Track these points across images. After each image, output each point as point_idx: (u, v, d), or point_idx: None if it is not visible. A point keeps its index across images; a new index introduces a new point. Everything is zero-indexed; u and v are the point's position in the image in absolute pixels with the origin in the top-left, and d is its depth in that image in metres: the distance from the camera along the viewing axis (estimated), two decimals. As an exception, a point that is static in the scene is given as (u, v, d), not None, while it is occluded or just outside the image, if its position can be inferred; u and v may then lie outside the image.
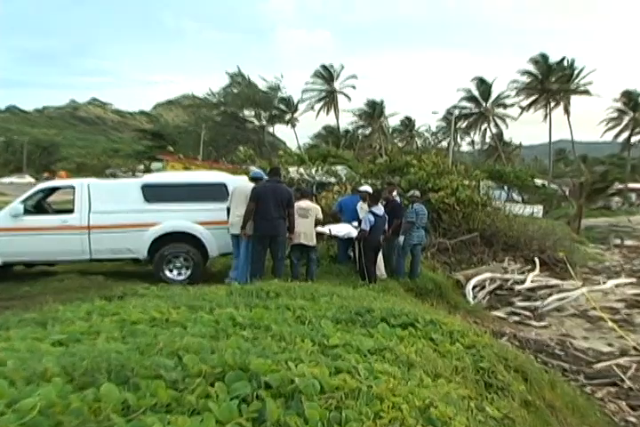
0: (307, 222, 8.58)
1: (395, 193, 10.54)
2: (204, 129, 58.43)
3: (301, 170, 15.12)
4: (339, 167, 18.12)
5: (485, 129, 66.43)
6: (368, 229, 8.57)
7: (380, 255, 9.26)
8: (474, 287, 11.35)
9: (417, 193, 10.29)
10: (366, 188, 9.67)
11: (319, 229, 9.03)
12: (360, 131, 72.03)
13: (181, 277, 8.74)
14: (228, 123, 65.42)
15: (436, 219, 13.39)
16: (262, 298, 5.14)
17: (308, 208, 8.64)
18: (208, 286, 6.52)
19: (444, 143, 68.94)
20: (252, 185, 8.25)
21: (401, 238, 9.69)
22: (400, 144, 69.54)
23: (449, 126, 55.85)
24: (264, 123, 68.23)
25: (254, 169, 8.94)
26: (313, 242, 8.64)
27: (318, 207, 9.01)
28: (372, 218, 8.59)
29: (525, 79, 60.53)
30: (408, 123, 74.61)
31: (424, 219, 10.03)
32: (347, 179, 15.24)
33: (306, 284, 6.63)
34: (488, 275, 11.98)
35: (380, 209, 8.84)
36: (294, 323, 3.87)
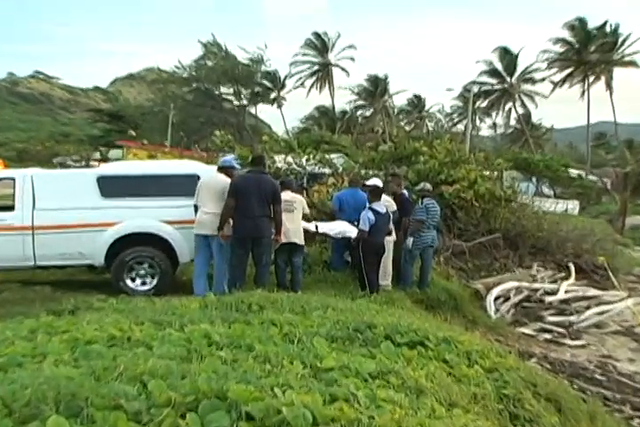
0: (294, 217, 8.69)
1: (402, 186, 10.60)
2: (173, 109, 58.28)
3: (289, 159, 15.14)
4: (334, 156, 18.16)
5: (510, 109, 66.89)
6: (367, 228, 8.62)
7: (386, 261, 9.31)
8: (496, 299, 11.40)
9: (428, 186, 10.36)
10: (375, 181, 9.71)
11: (304, 224, 9.10)
12: (360, 112, 72.53)
13: (146, 288, 8.75)
14: (202, 102, 65.31)
15: (450, 217, 13.45)
16: (243, 312, 5.16)
17: (292, 200, 8.75)
18: (178, 297, 6.54)
19: (461, 126, 69.25)
20: (222, 177, 8.29)
21: (409, 240, 9.76)
22: (407, 128, 69.80)
23: (466, 106, 56.01)
24: (244, 102, 68.28)
25: (228, 157, 8.96)
26: (302, 241, 8.78)
27: (303, 199, 9.14)
28: (371, 216, 8.65)
29: (559, 49, 60.90)
30: (417, 102, 75.03)
31: (436, 217, 10.10)
32: (344, 169, 15.28)
33: (295, 294, 6.66)
34: (513, 284, 12.03)
35: (381, 206, 8.89)
36: (281, 341, 3.90)
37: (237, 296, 5.84)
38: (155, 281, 8.84)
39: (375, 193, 9.02)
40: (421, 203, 9.98)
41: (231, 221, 8.05)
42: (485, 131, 76.52)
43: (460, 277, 12.25)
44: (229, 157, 8.97)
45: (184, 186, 8.91)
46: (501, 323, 10.35)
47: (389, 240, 9.36)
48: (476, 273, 12.77)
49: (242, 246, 8.03)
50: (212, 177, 8.41)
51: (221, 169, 8.48)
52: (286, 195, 8.63)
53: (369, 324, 4.59)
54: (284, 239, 8.44)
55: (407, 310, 7.95)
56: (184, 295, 6.90)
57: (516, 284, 12.08)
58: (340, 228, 9.46)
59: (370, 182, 9.75)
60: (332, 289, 8.71)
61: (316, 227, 9.49)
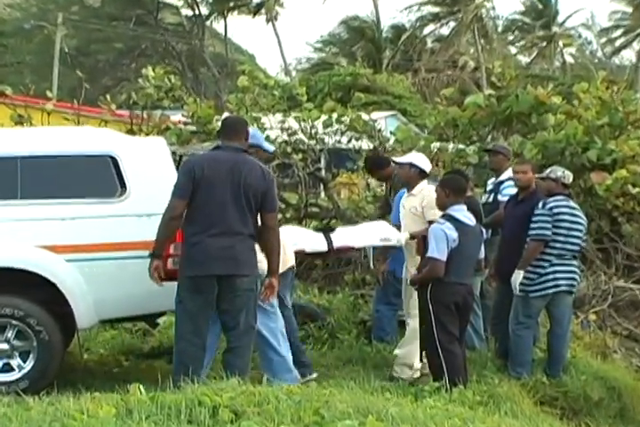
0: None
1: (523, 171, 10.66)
2: (62, 27, 58.49)
3: (291, 121, 15.16)
4: (379, 115, 18.12)
5: None
6: (444, 257, 8.69)
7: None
8: None
9: (559, 173, 10.27)
10: (413, 158, 9.83)
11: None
12: (429, 29, 72.08)
13: (11, 377, 8.75)
14: (118, 12, 65.53)
15: (608, 234, 13.42)
16: (201, 424, 5.24)
17: None
18: (75, 395, 6.57)
19: (630, 54, 68.95)
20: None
21: (516, 277, 9.79)
22: (523, 58, 69.52)
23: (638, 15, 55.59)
24: (203, 11, 68.29)
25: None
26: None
27: None
28: (452, 233, 8.71)
29: None
30: (541, 9, 74.29)
31: (576, 234, 10.09)
32: (397, 142, 15.23)
33: (304, 389, 6.68)
34: None
35: (466, 212, 8.99)
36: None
37: (191, 393, 5.90)
38: (29, 364, 8.81)
39: (455, 185, 9.13)
40: (543, 205, 9.99)
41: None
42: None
43: (631, 352, 12.20)
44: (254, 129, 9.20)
45: (87, 178, 9.02)
46: None
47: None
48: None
49: (199, 294, 8.06)
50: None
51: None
52: None
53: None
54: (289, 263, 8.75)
55: (524, 417, 7.98)
56: (89, 391, 6.87)
57: None
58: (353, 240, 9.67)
59: (405, 159, 9.82)
60: (374, 377, 8.77)
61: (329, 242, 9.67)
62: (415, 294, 9.19)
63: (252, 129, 9.35)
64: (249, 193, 8.02)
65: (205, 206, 7.98)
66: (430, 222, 9.24)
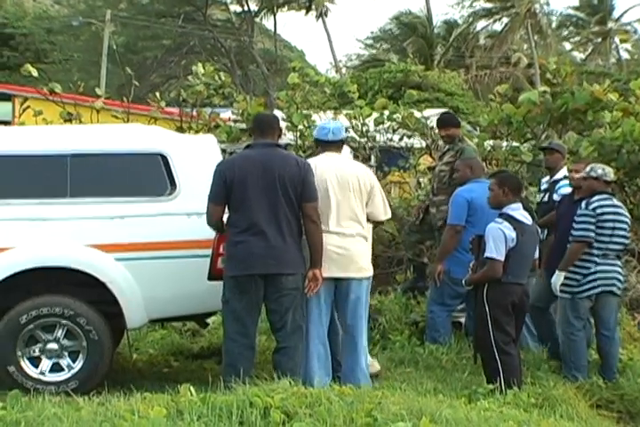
0: None
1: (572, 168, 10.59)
2: (110, 23, 58.68)
3: (342, 119, 15.10)
4: (432, 113, 18.01)
5: None
6: (502, 257, 8.64)
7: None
8: None
9: (599, 171, 10.13)
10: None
11: None
12: (482, 24, 71.64)
13: (61, 377, 8.78)
14: (167, 9, 65.56)
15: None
16: (252, 424, 5.22)
17: None
18: (125, 396, 6.58)
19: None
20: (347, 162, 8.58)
21: (557, 278, 9.70)
22: (578, 54, 68.95)
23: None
24: (252, 7, 68.27)
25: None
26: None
27: None
28: (510, 233, 8.65)
29: None
30: (597, 3, 73.66)
31: (619, 234, 9.98)
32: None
33: (357, 390, 6.66)
34: None
35: (522, 211, 8.94)
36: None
37: (242, 394, 5.90)
38: (79, 364, 8.83)
39: (514, 184, 9.07)
40: (587, 205, 9.90)
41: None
42: None
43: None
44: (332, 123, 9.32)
45: (137, 176, 9.06)
46: None
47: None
48: None
49: (243, 294, 8.10)
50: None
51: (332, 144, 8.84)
52: None
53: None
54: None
55: (580, 420, 7.93)
56: (139, 391, 6.89)
57: None
58: None
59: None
60: (427, 379, 8.76)
61: None
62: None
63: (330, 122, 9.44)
64: (286, 185, 8.06)
65: (243, 206, 8.05)
66: None
